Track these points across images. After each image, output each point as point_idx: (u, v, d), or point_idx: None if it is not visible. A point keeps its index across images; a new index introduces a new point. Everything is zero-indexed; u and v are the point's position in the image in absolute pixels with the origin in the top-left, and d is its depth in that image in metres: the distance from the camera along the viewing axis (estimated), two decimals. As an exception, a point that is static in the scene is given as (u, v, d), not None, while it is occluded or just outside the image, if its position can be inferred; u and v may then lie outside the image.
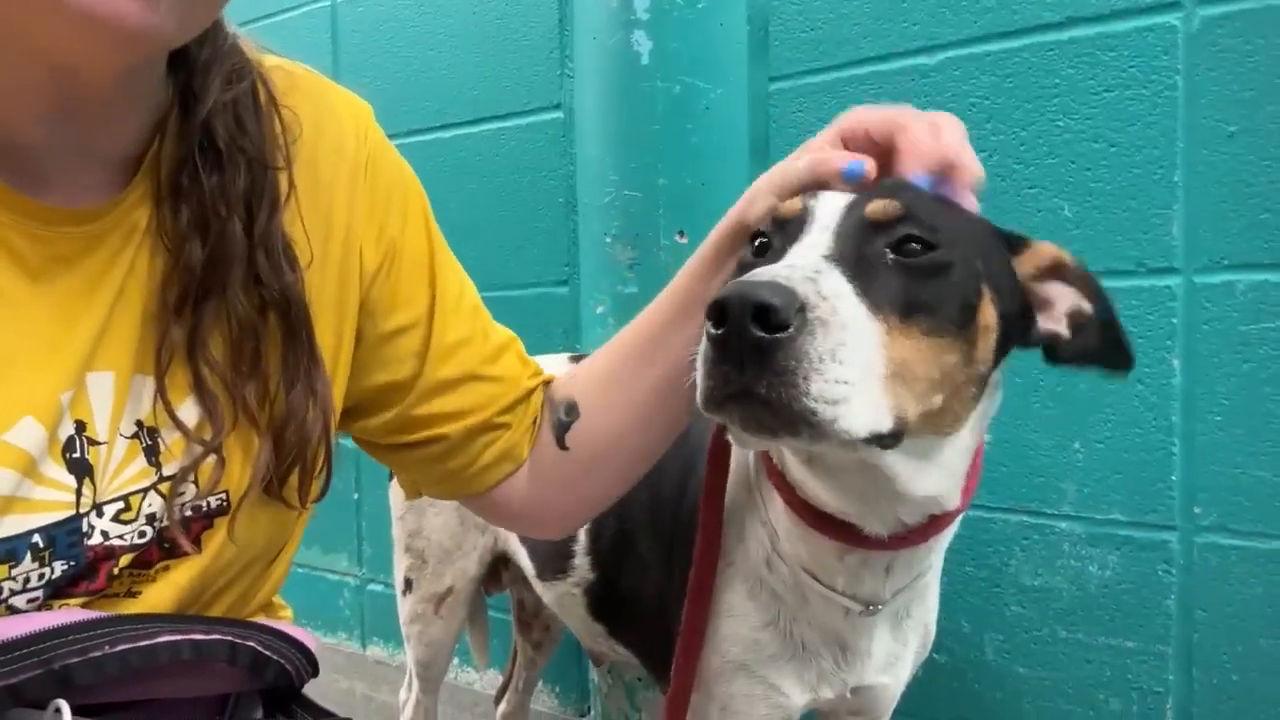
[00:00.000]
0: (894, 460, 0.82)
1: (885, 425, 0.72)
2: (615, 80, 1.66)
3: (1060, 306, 0.86)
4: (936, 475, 0.85)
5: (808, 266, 0.73)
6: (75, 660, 0.64)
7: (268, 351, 0.76)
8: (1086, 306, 0.85)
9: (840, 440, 0.69)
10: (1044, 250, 0.86)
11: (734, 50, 1.63)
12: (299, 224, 0.79)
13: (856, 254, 0.76)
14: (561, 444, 0.94)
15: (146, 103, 0.73)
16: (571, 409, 0.94)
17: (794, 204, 0.84)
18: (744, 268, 0.86)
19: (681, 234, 1.62)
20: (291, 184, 0.78)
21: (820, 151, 0.83)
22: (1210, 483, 1.32)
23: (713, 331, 0.67)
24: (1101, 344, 0.85)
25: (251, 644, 0.74)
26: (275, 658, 0.76)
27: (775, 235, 0.85)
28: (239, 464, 0.76)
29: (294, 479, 0.79)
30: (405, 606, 1.65)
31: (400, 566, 1.64)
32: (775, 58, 1.65)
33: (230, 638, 0.73)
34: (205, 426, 0.73)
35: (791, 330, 0.66)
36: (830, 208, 0.82)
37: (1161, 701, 1.37)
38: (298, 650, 0.78)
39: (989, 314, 0.80)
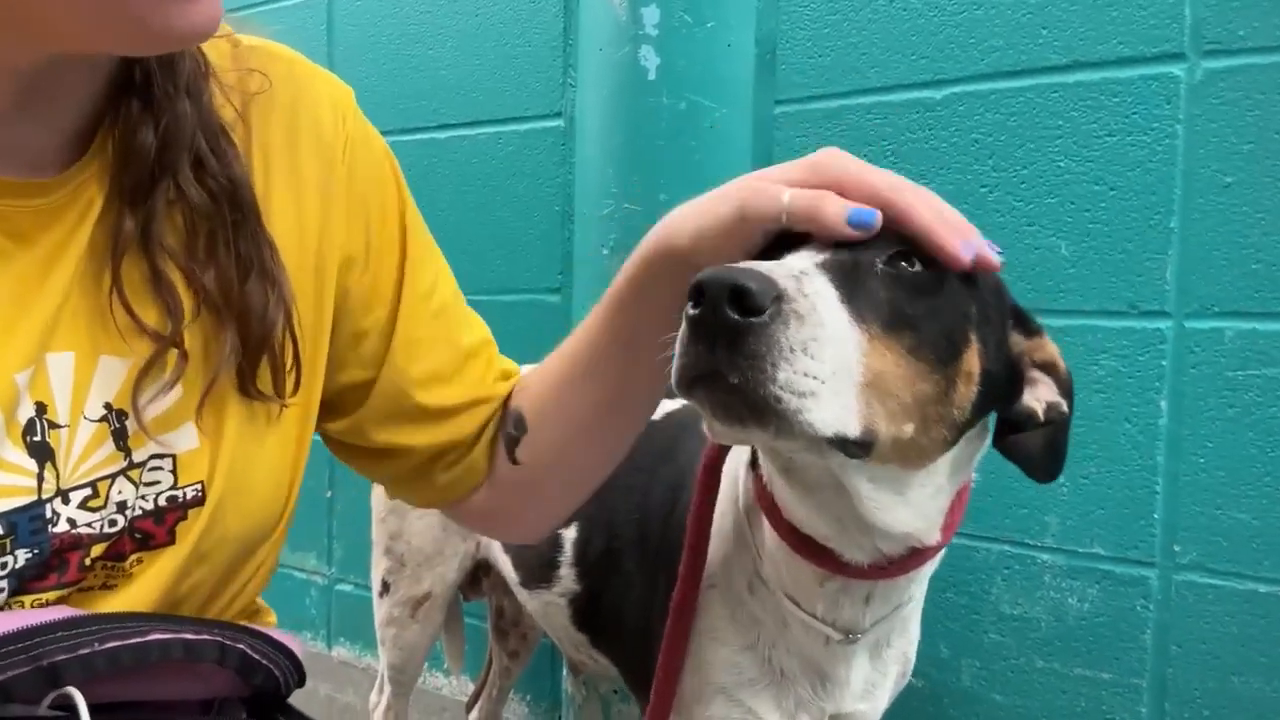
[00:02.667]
0: (863, 485, 0.83)
1: (852, 430, 0.72)
2: (620, 93, 1.66)
3: (1041, 394, 0.89)
4: (906, 512, 0.87)
5: (795, 267, 0.74)
6: (64, 657, 0.63)
7: (221, 239, 0.74)
8: (1064, 407, 0.88)
9: (806, 436, 0.70)
10: (1049, 347, 0.89)
11: (741, 71, 1.64)
12: (275, 198, 0.78)
13: (850, 261, 0.77)
14: (512, 458, 0.92)
15: (105, 72, 0.71)
16: (519, 422, 0.92)
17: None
18: None
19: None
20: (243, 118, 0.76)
21: (812, 195, 0.73)
22: (1191, 522, 1.36)
23: (690, 311, 0.68)
24: (1044, 449, 0.89)
25: (241, 646, 0.73)
26: (264, 662, 0.75)
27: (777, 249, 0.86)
28: (203, 358, 0.74)
29: (265, 374, 0.76)
30: (381, 609, 1.63)
31: (378, 569, 1.62)
32: (782, 81, 1.66)
33: (220, 639, 0.72)
34: (165, 321, 0.71)
35: (765, 317, 0.67)
36: None
37: (1133, 734, 1.41)
38: (286, 657, 0.77)
39: (973, 361, 0.82)
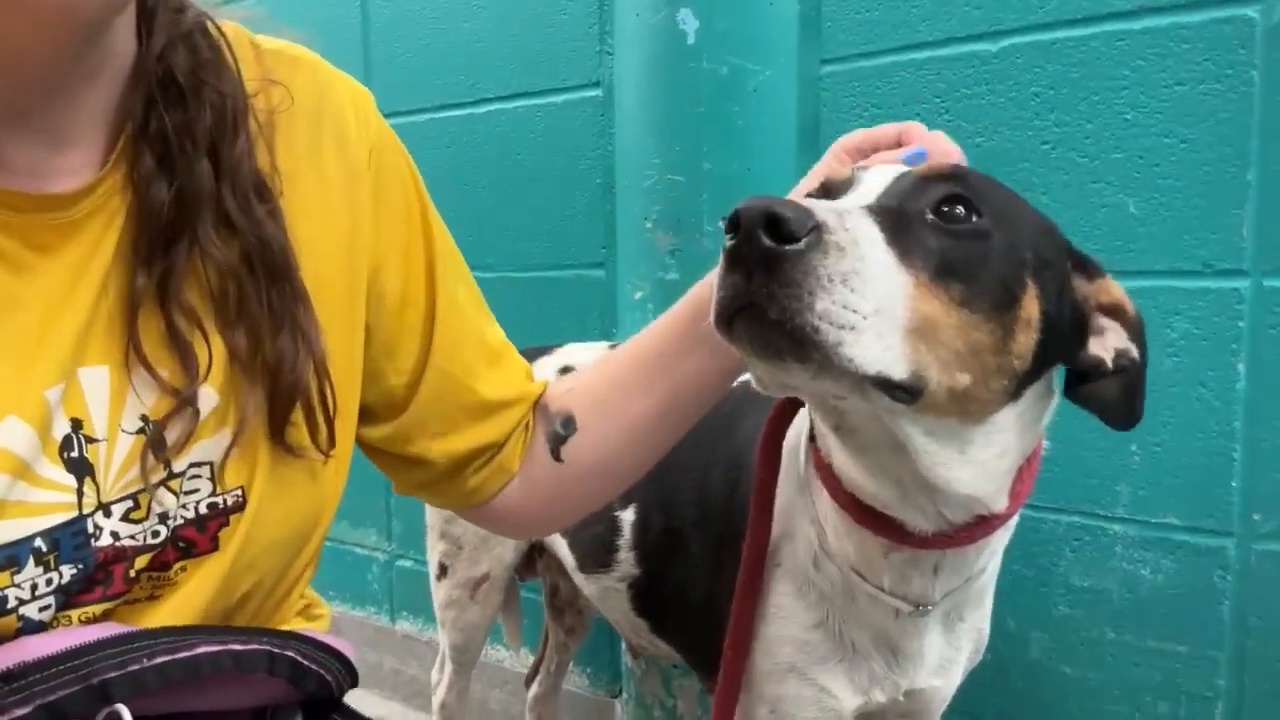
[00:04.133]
0: (920, 439, 0.80)
1: (898, 372, 0.70)
2: (659, 60, 1.61)
3: (1110, 341, 0.86)
4: (969, 471, 0.83)
5: (839, 207, 0.73)
6: (114, 675, 0.64)
7: (252, 296, 0.74)
8: (1134, 352, 0.85)
9: (847, 373, 0.68)
10: (1113, 288, 0.86)
11: (784, 30, 1.58)
12: (301, 205, 0.77)
13: (896, 208, 0.76)
14: (557, 456, 0.93)
15: (108, 78, 0.69)
16: (569, 423, 0.92)
17: (844, 171, 0.85)
18: None
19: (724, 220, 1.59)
20: (266, 136, 0.75)
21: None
22: (1271, 490, 1.30)
23: (727, 242, 0.67)
24: (1120, 396, 0.86)
25: (290, 654, 0.73)
26: (315, 668, 0.75)
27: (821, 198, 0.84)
28: (231, 407, 0.74)
29: (302, 427, 0.76)
30: (440, 592, 1.65)
31: (434, 551, 1.63)
32: (828, 39, 1.60)
33: (269, 647, 0.72)
34: (180, 376, 0.71)
35: (802, 245, 0.66)
36: (881, 174, 0.82)
37: (1211, 706, 1.36)
38: (337, 660, 0.78)
39: (1031, 308, 0.79)
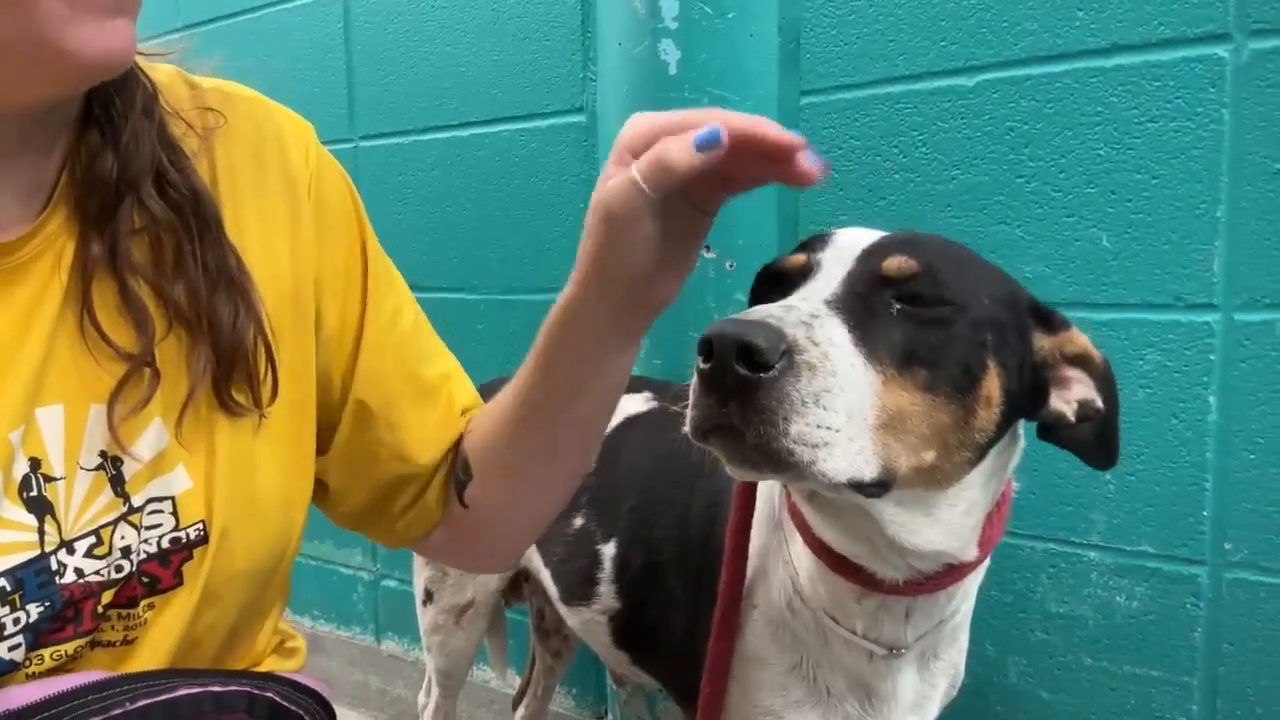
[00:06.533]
0: (888, 509, 0.83)
1: (868, 474, 0.73)
2: (641, 89, 1.62)
3: (1074, 392, 0.88)
4: (936, 532, 0.86)
5: (805, 310, 0.74)
6: (98, 719, 0.64)
7: (188, 252, 0.75)
8: (1098, 402, 0.87)
9: (820, 483, 0.71)
10: (1078, 339, 0.88)
11: (764, 62, 1.60)
12: (246, 230, 0.79)
13: (862, 302, 0.77)
14: (461, 501, 0.90)
15: (60, 130, 0.72)
16: (465, 467, 0.90)
17: (798, 258, 0.86)
18: (754, 301, 0.88)
19: (708, 248, 1.60)
20: (206, 150, 0.78)
21: (651, 151, 0.66)
22: (1242, 519, 1.32)
23: (701, 366, 0.69)
24: (1094, 441, 0.89)
25: (270, 694, 0.74)
26: (294, 708, 0.76)
27: (787, 277, 0.85)
28: (179, 374, 0.74)
29: (242, 385, 0.77)
30: (426, 617, 1.65)
31: (420, 578, 1.64)
32: (807, 71, 1.61)
33: (249, 689, 0.73)
34: (136, 340, 0.72)
35: (775, 371, 0.67)
36: (843, 253, 0.83)
37: (1184, 731, 1.39)
38: (315, 700, 0.79)
39: (992, 385, 0.82)
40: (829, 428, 0.69)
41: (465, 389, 0.95)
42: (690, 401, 0.71)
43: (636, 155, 0.67)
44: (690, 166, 0.64)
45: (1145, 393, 1.36)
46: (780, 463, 0.69)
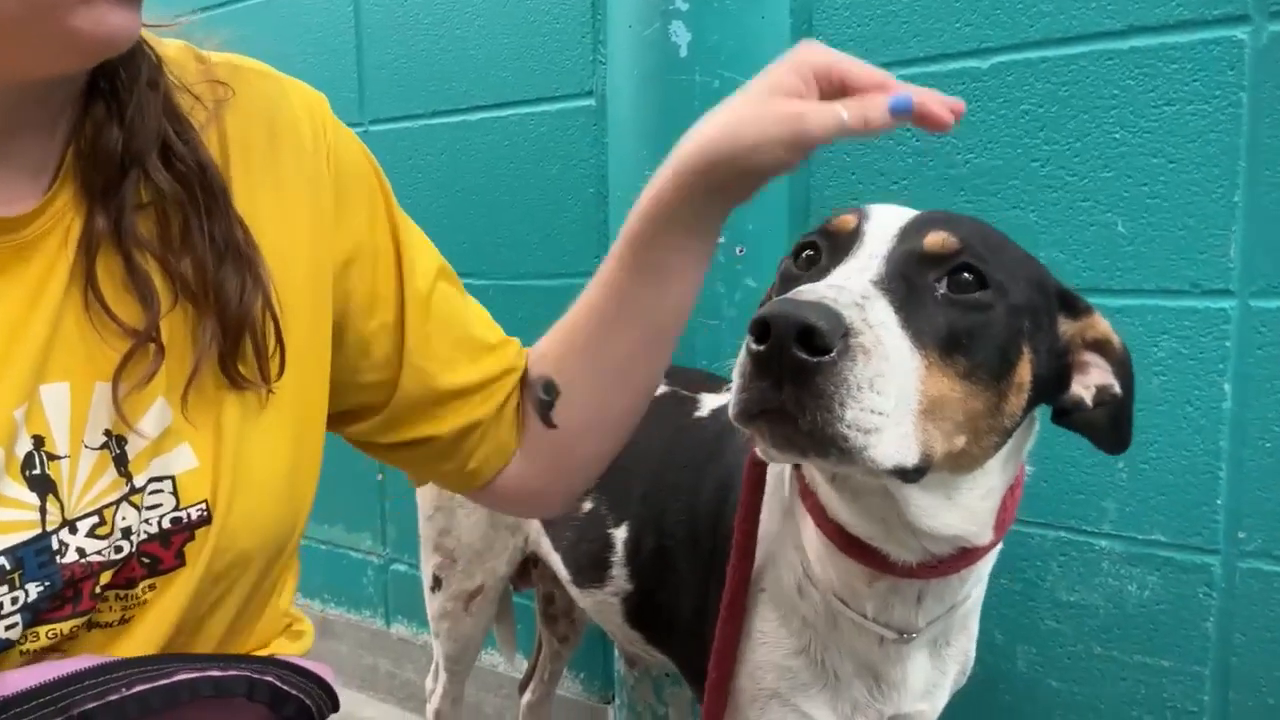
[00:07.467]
0: (912, 492, 0.82)
1: (911, 460, 0.72)
2: (652, 72, 1.61)
3: (1092, 377, 0.88)
4: (955, 514, 0.86)
5: (855, 291, 0.73)
6: (94, 705, 0.64)
7: (194, 225, 0.74)
8: (1116, 388, 0.87)
9: (866, 468, 0.70)
10: (1099, 324, 0.88)
11: (776, 44, 1.58)
12: (261, 205, 0.78)
13: (906, 283, 0.76)
14: (548, 423, 0.91)
15: (65, 105, 0.71)
16: (550, 387, 0.91)
17: (848, 220, 0.85)
18: (787, 279, 0.86)
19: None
20: (218, 122, 0.78)
21: (859, 105, 0.75)
22: (1256, 508, 1.31)
23: (754, 347, 0.67)
24: (1108, 424, 0.88)
25: (269, 679, 0.74)
26: (294, 692, 0.76)
27: (824, 250, 0.84)
28: (185, 349, 0.74)
29: (250, 359, 0.76)
30: (434, 603, 1.66)
31: (428, 564, 1.64)
32: (819, 54, 1.59)
33: (248, 673, 0.73)
34: (141, 314, 0.71)
35: (834, 355, 0.66)
36: (883, 229, 0.82)
37: (1195, 720, 1.38)
38: (317, 685, 0.78)
39: (1025, 372, 0.81)
40: (880, 412, 0.68)
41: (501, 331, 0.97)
42: (736, 383, 0.70)
43: (818, 80, 0.77)
44: (884, 126, 0.74)
45: (1159, 379, 1.35)
46: (832, 448, 0.68)
